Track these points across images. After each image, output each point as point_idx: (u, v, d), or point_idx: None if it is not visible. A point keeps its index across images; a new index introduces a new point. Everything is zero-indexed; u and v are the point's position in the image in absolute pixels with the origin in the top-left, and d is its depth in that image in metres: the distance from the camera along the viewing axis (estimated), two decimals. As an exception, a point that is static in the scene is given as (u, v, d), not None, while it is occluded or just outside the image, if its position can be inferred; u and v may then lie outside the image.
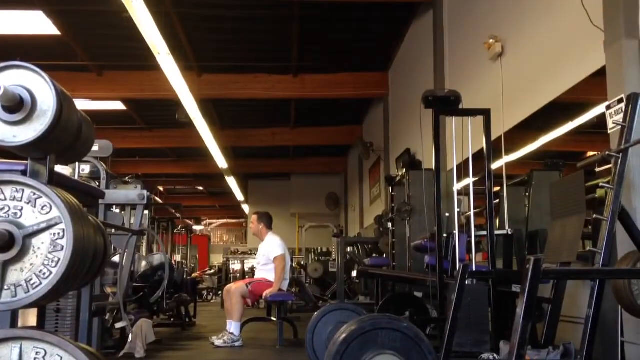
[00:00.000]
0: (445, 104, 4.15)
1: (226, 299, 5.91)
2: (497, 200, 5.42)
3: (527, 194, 5.53)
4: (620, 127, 2.87)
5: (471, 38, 5.86)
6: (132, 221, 4.24)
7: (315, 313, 4.05)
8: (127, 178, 6.71)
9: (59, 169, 2.36)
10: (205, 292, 14.34)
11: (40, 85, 1.51)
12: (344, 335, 2.43)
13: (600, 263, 2.67)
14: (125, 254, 4.01)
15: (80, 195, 1.88)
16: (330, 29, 8.41)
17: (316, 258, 14.32)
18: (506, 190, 5.20)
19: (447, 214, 4.93)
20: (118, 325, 4.74)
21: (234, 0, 7.43)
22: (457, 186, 4.37)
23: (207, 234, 24.20)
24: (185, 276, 8.79)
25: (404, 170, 7.12)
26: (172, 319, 7.57)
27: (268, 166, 15.95)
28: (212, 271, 16.62)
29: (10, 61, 1.52)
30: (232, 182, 15.50)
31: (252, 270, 12.75)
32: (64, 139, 1.64)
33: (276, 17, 7.96)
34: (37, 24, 7.36)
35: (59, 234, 1.44)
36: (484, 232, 4.18)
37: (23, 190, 1.46)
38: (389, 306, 4.93)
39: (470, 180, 4.15)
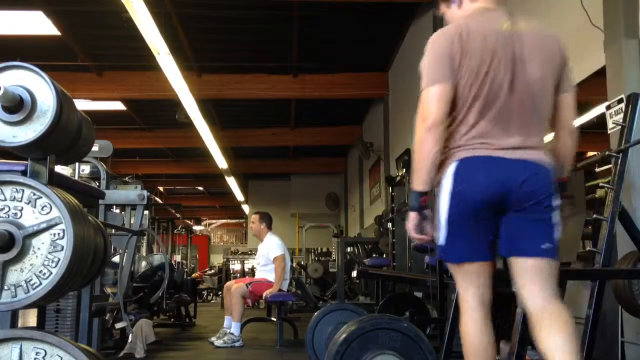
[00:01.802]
0: (445, 104, 4.14)
1: (226, 295, 5.92)
2: (497, 200, 5.41)
3: (527, 194, 5.52)
4: (620, 127, 2.87)
5: (471, 38, 5.86)
6: (132, 221, 4.24)
7: (316, 313, 4.05)
8: (127, 178, 6.72)
9: (59, 169, 2.36)
10: (205, 292, 14.34)
11: (40, 86, 1.51)
12: (344, 336, 2.43)
13: (600, 263, 2.67)
14: (125, 254, 4.01)
15: (80, 195, 1.88)
16: (330, 29, 8.41)
17: (316, 258, 14.32)
18: (506, 190, 5.19)
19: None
20: (118, 325, 4.74)
21: (234, 1, 7.44)
22: (457, 186, 4.36)
23: (207, 234, 24.21)
24: (185, 276, 8.79)
25: (404, 170, 7.11)
26: (172, 319, 7.57)
27: (268, 166, 15.95)
28: (212, 271, 16.62)
29: (10, 61, 1.52)
30: (232, 182, 15.50)
31: (252, 270, 12.76)
32: (64, 139, 1.64)
33: (276, 17, 7.96)
34: (37, 24, 7.36)
35: (59, 234, 1.44)
36: (484, 232, 4.17)
37: (23, 191, 1.46)
38: (389, 306, 4.92)
39: (470, 180, 4.14)
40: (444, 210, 1.97)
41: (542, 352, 1.89)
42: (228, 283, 6.19)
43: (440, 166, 1.99)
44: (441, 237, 2.00)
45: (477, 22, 2.02)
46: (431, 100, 1.93)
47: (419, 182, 1.97)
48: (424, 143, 1.93)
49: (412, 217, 2.02)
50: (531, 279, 2.02)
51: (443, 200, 1.97)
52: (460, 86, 1.94)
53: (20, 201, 1.45)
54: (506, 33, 2.00)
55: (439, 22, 6.76)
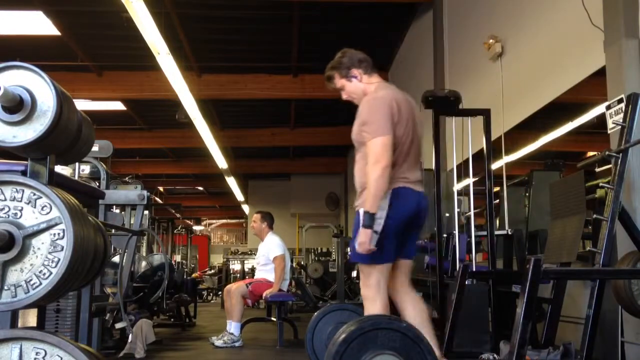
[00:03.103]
0: (445, 104, 4.15)
1: (226, 299, 5.91)
2: (497, 200, 5.42)
3: (527, 194, 5.53)
4: (620, 127, 2.87)
5: (471, 38, 5.86)
6: (132, 221, 4.24)
7: (315, 313, 4.04)
8: (127, 178, 6.72)
9: (59, 169, 2.36)
10: (205, 293, 14.33)
11: (40, 86, 1.51)
12: (343, 336, 2.42)
13: (600, 263, 2.67)
14: (125, 254, 4.01)
15: (80, 195, 1.88)
16: (330, 29, 8.41)
17: (316, 258, 14.31)
18: (506, 190, 5.20)
19: (447, 214, 4.93)
20: (118, 325, 4.74)
21: (234, 1, 7.44)
22: (457, 186, 4.37)
23: (207, 234, 24.19)
24: (185, 276, 8.79)
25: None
26: (172, 319, 7.56)
27: (268, 166, 15.94)
28: (212, 271, 16.61)
29: (10, 61, 1.52)
30: (232, 182, 15.50)
31: (253, 270, 12.75)
32: (64, 139, 1.64)
33: (276, 17, 7.96)
34: (37, 24, 7.36)
35: (59, 234, 1.44)
36: (484, 232, 4.18)
37: (23, 191, 1.46)
38: (389, 306, 4.92)
39: (470, 180, 4.15)
40: (379, 225, 2.68)
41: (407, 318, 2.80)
42: (228, 286, 6.18)
43: None
44: (372, 245, 2.67)
45: (394, 92, 2.84)
46: (385, 148, 2.66)
47: (374, 207, 2.64)
48: (381, 179, 2.63)
49: (369, 234, 2.63)
50: (406, 272, 2.94)
51: (380, 218, 2.68)
52: (397, 137, 2.72)
53: (20, 201, 1.45)
54: (407, 101, 2.85)
55: (438, 22, 6.77)
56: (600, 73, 3.53)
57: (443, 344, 3.31)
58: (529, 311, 2.21)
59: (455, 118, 4.18)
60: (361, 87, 2.96)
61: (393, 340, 2.40)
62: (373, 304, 2.75)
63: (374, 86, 2.92)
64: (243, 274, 13.45)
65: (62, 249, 1.43)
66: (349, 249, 2.76)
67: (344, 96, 3.06)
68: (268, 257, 5.96)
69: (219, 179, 15.56)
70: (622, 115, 2.94)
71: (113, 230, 3.76)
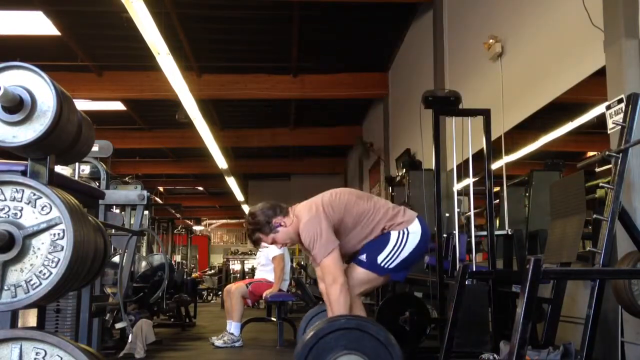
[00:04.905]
0: (445, 104, 4.15)
1: (226, 299, 5.91)
2: (497, 200, 5.42)
3: (527, 194, 5.53)
4: (620, 127, 2.87)
5: (471, 38, 5.86)
6: (132, 221, 4.24)
7: (305, 314, 4.03)
8: (127, 178, 6.73)
9: (59, 169, 2.36)
10: (205, 293, 14.31)
11: (40, 86, 1.50)
12: (297, 352, 2.43)
13: (600, 263, 2.67)
14: (125, 254, 4.01)
15: (80, 195, 1.88)
16: (330, 29, 8.41)
17: (316, 258, 14.27)
18: (506, 190, 5.20)
19: (447, 214, 4.93)
20: (118, 325, 4.75)
21: (234, 1, 7.44)
22: (457, 186, 4.37)
23: (207, 234, 24.18)
24: (185, 276, 8.78)
25: (404, 170, 7.12)
26: (172, 319, 7.56)
27: (268, 166, 15.94)
28: (212, 271, 16.60)
29: (10, 61, 1.52)
30: (232, 182, 15.49)
31: (253, 270, 12.75)
32: (64, 139, 1.64)
33: (276, 17, 7.96)
34: (37, 24, 7.36)
35: (59, 234, 1.44)
36: (484, 232, 4.18)
37: (23, 191, 1.46)
38: (389, 306, 4.92)
39: (470, 180, 4.15)
40: (408, 249, 2.89)
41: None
42: (228, 286, 6.18)
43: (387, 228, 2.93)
44: (394, 263, 2.87)
45: (314, 200, 3.04)
46: (336, 264, 2.74)
47: None
48: (342, 296, 2.71)
49: None
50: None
51: (411, 242, 2.90)
52: (361, 209, 2.96)
53: (20, 201, 1.45)
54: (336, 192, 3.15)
55: (438, 22, 6.77)
56: (600, 73, 3.53)
57: (443, 344, 3.30)
58: (529, 311, 2.20)
59: (455, 118, 4.18)
60: (290, 230, 3.03)
61: (339, 339, 2.42)
62: (359, 304, 2.97)
63: (296, 218, 3.02)
64: (243, 274, 13.45)
65: (62, 249, 1.43)
66: (364, 257, 2.85)
67: (279, 246, 3.27)
68: (268, 257, 5.96)
69: (219, 179, 15.56)
70: (622, 115, 2.94)
71: (113, 230, 3.76)
